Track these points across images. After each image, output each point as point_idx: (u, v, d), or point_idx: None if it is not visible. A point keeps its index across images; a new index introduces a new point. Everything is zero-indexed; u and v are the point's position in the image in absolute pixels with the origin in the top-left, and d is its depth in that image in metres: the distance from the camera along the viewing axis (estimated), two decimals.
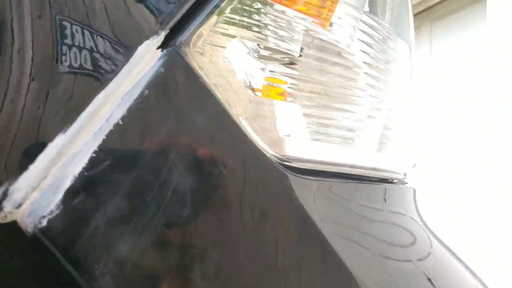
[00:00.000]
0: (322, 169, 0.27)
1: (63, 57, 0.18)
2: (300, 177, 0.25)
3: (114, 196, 0.19)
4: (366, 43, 0.34)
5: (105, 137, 0.19)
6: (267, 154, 0.23)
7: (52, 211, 0.18)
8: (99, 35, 0.19)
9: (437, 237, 0.43)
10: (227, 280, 0.21)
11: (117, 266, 0.19)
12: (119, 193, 0.19)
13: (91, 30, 0.18)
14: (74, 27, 0.18)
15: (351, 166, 0.30)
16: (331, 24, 0.31)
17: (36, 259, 0.19)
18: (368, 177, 0.32)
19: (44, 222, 0.18)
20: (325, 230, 0.25)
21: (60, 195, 0.18)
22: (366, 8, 0.36)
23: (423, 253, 0.38)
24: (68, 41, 0.18)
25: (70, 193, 0.18)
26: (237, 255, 0.22)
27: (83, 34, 0.18)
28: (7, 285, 0.19)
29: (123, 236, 0.19)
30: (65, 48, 0.18)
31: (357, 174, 0.31)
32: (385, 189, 0.33)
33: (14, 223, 0.18)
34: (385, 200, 0.32)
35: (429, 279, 0.35)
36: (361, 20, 0.34)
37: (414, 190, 0.37)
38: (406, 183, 0.37)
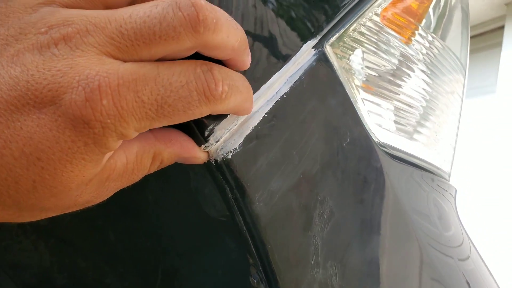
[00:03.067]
0: (400, 156, 0.35)
1: (258, 42, 0.26)
2: (390, 159, 0.32)
3: (273, 146, 0.27)
4: (428, 56, 0.41)
5: (274, 104, 0.27)
6: (373, 137, 0.31)
7: (235, 149, 0.26)
8: (284, 34, 0.27)
9: (472, 242, 0.49)
10: (335, 224, 0.29)
11: (268, 196, 0.27)
12: (276, 145, 0.27)
13: (281, 31, 0.27)
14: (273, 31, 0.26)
15: (416, 158, 0.38)
16: (412, 43, 0.39)
17: (215, 181, 0.26)
18: (426, 169, 0.39)
19: (229, 156, 0.26)
20: (400, 199, 0.32)
21: (242, 139, 0.26)
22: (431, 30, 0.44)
23: (463, 255, 0.44)
24: (264, 34, 0.26)
25: (248, 139, 0.26)
26: (345, 205, 0.29)
27: (276, 33, 0.26)
28: (186, 195, 0.27)
29: (275, 176, 0.27)
30: (261, 39, 0.26)
31: (420, 165, 0.38)
32: (437, 180, 0.40)
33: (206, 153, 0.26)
34: (439, 187, 0.39)
35: (467, 283, 0.41)
36: (428, 40, 0.42)
37: (456, 190, 0.44)
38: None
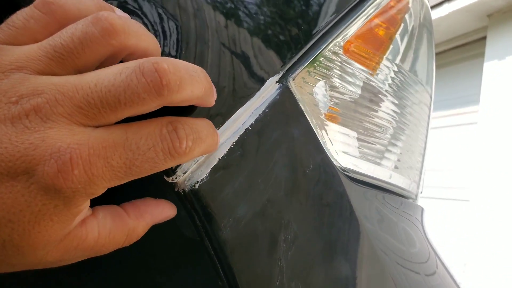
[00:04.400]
0: (362, 179, 0.37)
1: (225, 78, 0.28)
2: (352, 183, 0.34)
3: (239, 176, 0.29)
4: (394, 86, 0.44)
5: (239, 136, 0.29)
6: (335, 163, 0.33)
7: (202, 179, 0.27)
8: (249, 70, 0.29)
9: (439, 256, 0.51)
10: (299, 246, 0.31)
11: (235, 222, 0.28)
12: (242, 174, 0.29)
13: (247, 67, 0.29)
14: (235, 62, 0.28)
15: (381, 181, 0.40)
16: (376, 73, 0.41)
17: (185, 209, 0.28)
18: (392, 191, 0.41)
19: (197, 186, 0.27)
20: (363, 221, 0.34)
21: (209, 169, 0.28)
22: (398, 61, 0.46)
23: (429, 270, 0.46)
24: (228, 70, 0.28)
25: (215, 169, 0.28)
26: (309, 228, 0.31)
27: (242, 69, 0.28)
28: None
29: (241, 203, 0.29)
30: (226, 76, 0.28)
31: (385, 187, 0.40)
32: (402, 202, 0.42)
33: (174, 184, 0.27)
34: (403, 211, 0.41)
35: None
36: (393, 70, 0.44)
37: (423, 209, 0.47)
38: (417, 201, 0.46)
